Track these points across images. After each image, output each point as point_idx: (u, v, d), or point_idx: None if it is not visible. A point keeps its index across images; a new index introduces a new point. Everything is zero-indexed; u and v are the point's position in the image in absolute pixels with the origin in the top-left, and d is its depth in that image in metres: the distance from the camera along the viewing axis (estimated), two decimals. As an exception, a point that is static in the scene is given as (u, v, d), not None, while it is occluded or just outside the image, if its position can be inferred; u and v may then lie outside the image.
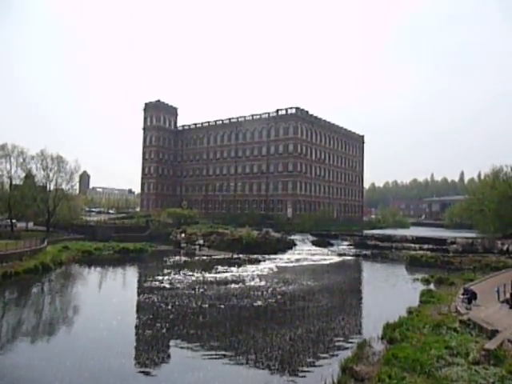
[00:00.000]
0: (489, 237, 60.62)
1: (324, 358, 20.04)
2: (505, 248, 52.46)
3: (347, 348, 20.77)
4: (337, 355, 19.64)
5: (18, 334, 24.14)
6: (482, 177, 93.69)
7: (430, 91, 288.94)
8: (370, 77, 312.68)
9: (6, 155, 64.02)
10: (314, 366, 18.98)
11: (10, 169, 65.10)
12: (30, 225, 75.13)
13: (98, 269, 49.93)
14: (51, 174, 69.45)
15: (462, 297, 26.42)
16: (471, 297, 25.06)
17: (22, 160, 66.05)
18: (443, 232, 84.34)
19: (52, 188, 70.39)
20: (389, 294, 37.58)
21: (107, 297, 34.85)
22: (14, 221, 67.82)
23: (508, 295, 24.90)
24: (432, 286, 37.55)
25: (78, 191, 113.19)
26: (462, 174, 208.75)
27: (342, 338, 23.42)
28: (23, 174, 68.33)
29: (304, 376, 17.81)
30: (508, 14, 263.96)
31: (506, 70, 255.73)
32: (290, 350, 20.89)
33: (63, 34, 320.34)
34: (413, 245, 62.55)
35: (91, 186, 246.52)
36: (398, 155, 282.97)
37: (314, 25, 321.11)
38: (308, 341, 22.78)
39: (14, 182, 66.58)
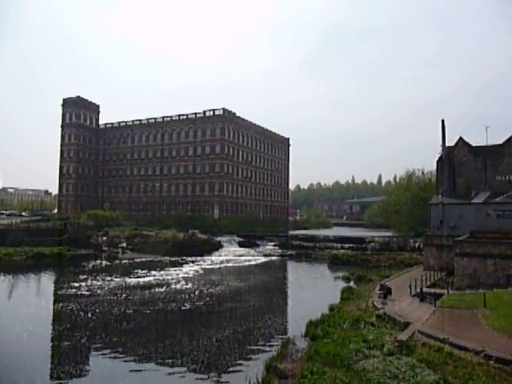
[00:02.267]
0: (403, 235, 64.99)
1: (250, 358, 20.12)
2: (416, 246, 56.45)
3: (272, 347, 21.02)
4: (262, 354, 19.78)
5: None
6: (398, 180, 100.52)
7: (355, 97, 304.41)
8: (294, 81, 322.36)
9: None
10: (240, 366, 18.96)
11: None
12: None
13: (8, 276, 45.93)
14: (-47, 173, 62.93)
15: (378, 292, 27.98)
16: (387, 292, 26.62)
17: None
18: (363, 232, 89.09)
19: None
20: (312, 292, 38.77)
21: (17, 307, 31.95)
22: None
23: (418, 289, 26.79)
24: (352, 283, 39.38)
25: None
26: (380, 176, 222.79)
27: (267, 338, 23.69)
28: None
29: (230, 377, 17.73)
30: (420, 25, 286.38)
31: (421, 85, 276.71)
32: (217, 352, 20.70)
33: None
34: (335, 244, 65.22)
35: (1, 186, 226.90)
36: (321, 159, 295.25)
37: (241, 27, 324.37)
38: (234, 342, 22.75)
39: None
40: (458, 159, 47.87)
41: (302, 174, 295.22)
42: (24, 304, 32.24)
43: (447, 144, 48.96)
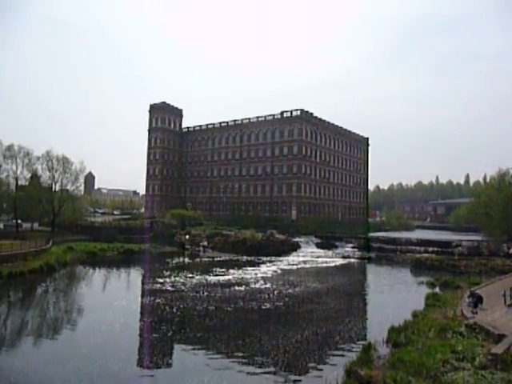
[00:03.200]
0: (495, 240, 60.19)
1: (329, 360, 19.91)
2: (511, 251, 51.99)
3: (352, 351, 20.62)
4: (342, 358, 19.49)
5: (21, 335, 24.14)
6: (488, 179, 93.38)
7: (434, 93, 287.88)
8: (373, 80, 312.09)
9: (12, 156, 64.51)
10: (319, 368, 18.84)
11: (16, 169, 65.64)
12: (36, 225, 75.49)
13: (102, 270, 50.03)
14: (56, 175, 69.92)
15: (467, 300, 26.18)
16: (477, 300, 24.82)
17: (27, 161, 66.56)
18: (449, 235, 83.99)
19: (57, 189, 70.80)
20: (394, 296, 37.32)
21: (110, 299, 34.74)
22: (19, 221, 68.19)
23: (515, 299, 24.67)
24: (437, 290, 37.30)
25: (82, 192, 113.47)
26: (468, 176, 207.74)
27: (347, 341, 23.28)
28: (29, 175, 68.84)
29: (309, 379, 17.70)
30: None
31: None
32: (296, 353, 20.76)
33: (70, 34, 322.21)
34: (418, 248, 62.13)
35: (96, 187, 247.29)
36: (402, 158, 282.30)
37: (319, 27, 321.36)
38: (314, 343, 22.65)
39: (19, 183, 67.06)
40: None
41: (381, 174, 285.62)
42: (116, 296, 34.83)
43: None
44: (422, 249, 61.14)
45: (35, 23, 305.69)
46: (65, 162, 70.44)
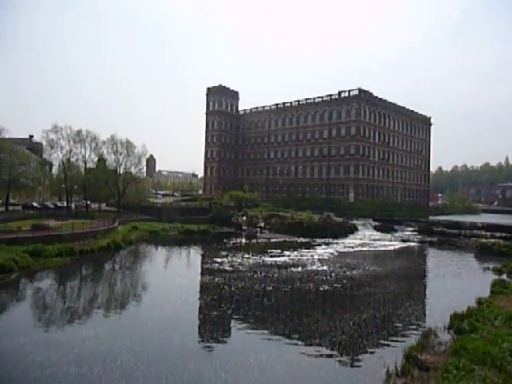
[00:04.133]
0: None
1: (387, 344, 19.70)
2: None
3: (412, 336, 20.27)
4: (401, 343, 19.24)
5: (91, 307, 25.97)
6: None
7: (499, 68, 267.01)
8: (434, 57, 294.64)
9: (81, 140, 68.46)
10: (378, 352, 18.72)
11: (85, 153, 69.62)
12: (102, 206, 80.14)
13: (164, 249, 52.34)
14: (121, 158, 73.33)
15: (539, 289, 24.71)
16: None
17: (95, 145, 70.33)
18: (519, 219, 78.73)
19: (122, 171, 74.37)
20: (456, 282, 35.90)
21: (172, 276, 36.46)
22: (88, 202, 72.68)
23: None
24: (505, 277, 35.40)
25: (145, 174, 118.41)
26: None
27: (406, 326, 22.87)
28: (96, 158, 72.76)
29: (367, 362, 17.67)
30: None
31: None
32: (354, 336, 20.74)
33: (137, 24, 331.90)
34: (484, 232, 58.98)
35: (157, 170, 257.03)
36: (467, 138, 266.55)
37: (376, 4, 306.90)
38: (372, 327, 22.48)
39: (88, 166, 71.19)
40: None
41: (444, 155, 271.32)
42: (177, 274, 36.50)
43: None
44: (489, 234, 57.98)
45: (115, 15, 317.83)
46: (128, 145, 73.68)
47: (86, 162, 70.44)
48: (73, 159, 69.38)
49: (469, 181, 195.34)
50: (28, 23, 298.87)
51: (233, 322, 23.17)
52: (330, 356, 18.20)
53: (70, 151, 68.14)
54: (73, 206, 75.12)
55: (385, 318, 24.11)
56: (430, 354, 17.19)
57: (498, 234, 57.03)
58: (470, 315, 21.65)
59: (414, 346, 17.68)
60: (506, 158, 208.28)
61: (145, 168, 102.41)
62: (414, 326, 22.60)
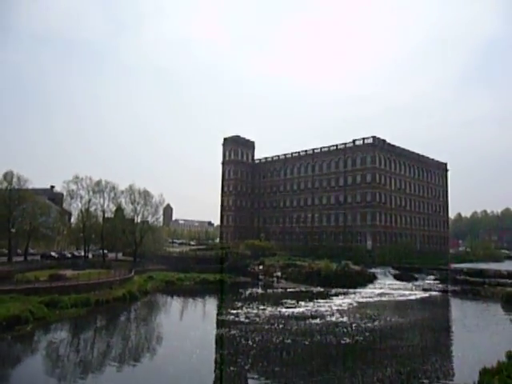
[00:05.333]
0: None
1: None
2: None
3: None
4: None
5: (105, 359, 25.45)
6: None
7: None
8: (446, 102, 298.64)
9: (100, 190, 69.98)
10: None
11: (103, 203, 70.89)
12: (119, 255, 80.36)
13: (179, 299, 51.71)
14: (138, 208, 74.32)
15: None
16: None
17: (113, 195, 71.71)
18: (545, 267, 75.86)
19: (139, 220, 75.08)
20: (484, 335, 34.21)
21: (187, 328, 35.66)
22: (105, 251, 73.10)
23: None
24: (535, 329, 33.68)
25: (161, 223, 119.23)
26: None
27: (433, 382, 21.65)
28: (114, 208, 73.90)
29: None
30: None
31: None
32: (377, 393, 19.73)
33: (141, 76, 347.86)
34: (509, 281, 56.80)
35: (174, 218, 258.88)
36: (486, 183, 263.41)
37: (387, 52, 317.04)
38: (397, 383, 21.33)
39: (106, 215, 72.24)
40: None
41: (463, 201, 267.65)
42: (192, 326, 35.77)
43: None
44: (515, 282, 55.76)
45: (108, 66, 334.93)
46: (146, 195, 74.91)
47: (104, 212, 71.63)
48: (91, 209, 70.72)
49: (490, 226, 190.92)
50: (36, 69, 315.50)
51: (250, 379, 22.29)
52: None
53: (89, 201, 69.61)
54: (90, 255, 75.57)
55: (410, 374, 22.93)
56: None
57: (524, 283, 54.82)
58: (500, 371, 20.41)
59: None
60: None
61: (162, 217, 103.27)
62: (442, 382, 21.38)
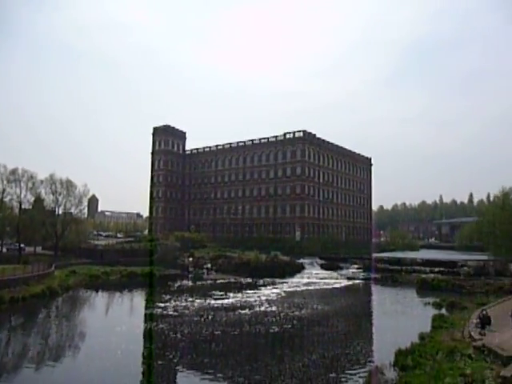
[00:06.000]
0: (501, 259, 59.58)
1: (335, 386, 19.50)
2: (518, 271, 51.43)
3: (359, 375, 20.22)
4: (349, 382, 19.09)
5: (22, 361, 23.82)
6: (492, 198, 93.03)
7: (437, 116, 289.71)
8: (373, 101, 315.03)
9: (17, 180, 64.83)
10: (326, 394, 18.46)
11: (20, 193, 65.75)
12: (39, 249, 75.19)
13: (105, 294, 49.65)
14: (60, 198, 70.01)
15: (475, 322, 25.79)
16: (485, 322, 24.42)
17: (31, 184, 66.76)
18: (454, 255, 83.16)
19: (61, 212, 70.86)
20: (400, 318, 36.80)
21: (112, 323, 34.20)
22: (22, 245, 68.08)
23: (523, 320, 24.25)
24: (444, 311, 36.75)
25: (86, 215, 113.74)
26: (471, 195, 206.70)
27: (355, 365, 22.85)
28: (32, 199, 68.96)
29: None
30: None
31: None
32: (303, 378, 20.37)
33: (73, 55, 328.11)
34: (423, 268, 61.52)
35: (100, 210, 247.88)
36: (406, 178, 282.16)
37: (320, 51, 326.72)
38: (321, 367, 22.25)
39: (23, 207, 67.19)
40: None
41: (385, 194, 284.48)
42: (119, 321, 34.48)
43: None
44: (428, 269, 60.50)
45: (40, 47, 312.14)
46: (68, 185, 70.75)
47: (20, 203, 66.46)
48: (6, 199, 65.34)
49: (408, 218, 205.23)
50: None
51: (179, 372, 22.01)
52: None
53: (4, 191, 64.20)
54: (4, 249, 70.06)
55: (334, 358, 24.00)
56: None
57: (436, 269, 59.64)
58: (413, 351, 22.07)
59: (361, 386, 17.62)
60: (441, 197, 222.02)
61: (86, 208, 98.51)
62: (362, 365, 22.64)
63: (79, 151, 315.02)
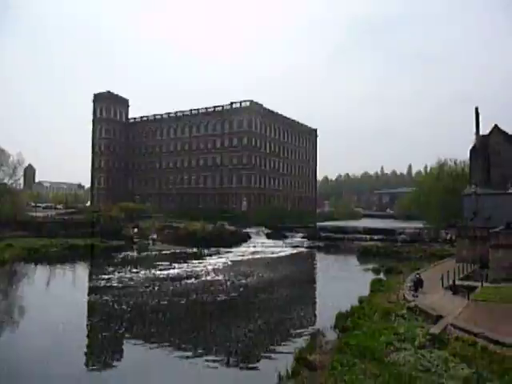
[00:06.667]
0: (434, 227, 63.64)
1: (280, 349, 20.26)
2: (448, 237, 55.24)
3: (302, 338, 21.09)
4: (292, 346, 19.88)
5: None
6: (429, 169, 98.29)
7: (376, 92, 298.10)
8: (321, 76, 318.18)
9: None
10: (271, 357, 19.15)
11: None
12: (-32, 222, 70.39)
13: (46, 267, 47.71)
14: (-8, 168, 65.52)
15: (409, 285, 27.59)
16: (418, 284, 26.20)
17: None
18: (393, 223, 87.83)
19: (-7, 183, 66.44)
20: (342, 284, 38.48)
21: (54, 297, 32.97)
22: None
23: (451, 282, 26.25)
24: (382, 276, 38.94)
25: (22, 186, 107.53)
26: (410, 167, 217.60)
27: (298, 329, 23.81)
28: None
29: (260, 367, 17.96)
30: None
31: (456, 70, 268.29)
32: (249, 343, 20.99)
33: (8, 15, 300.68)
34: (364, 236, 64.60)
35: (37, 180, 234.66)
36: (349, 150, 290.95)
37: (267, 17, 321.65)
38: (266, 332, 22.98)
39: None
40: (492, 148, 46.21)
41: (329, 165, 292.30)
42: (60, 295, 33.35)
43: (482, 133, 47.37)
44: (368, 237, 63.63)
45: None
46: (0, 154, 66.22)
47: None
48: None
49: (351, 188, 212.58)
50: None
51: (125, 343, 21.83)
52: (226, 366, 18.15)
53: None
54: None
55: (278, 323, 24.83)
56: (318, 353, 18.03)
57: (375, 237, 62.89)
58: (352, 314, 23.32)
59: (303, 348, 18.42)
60: (382, 168, 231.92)
61: (22, 179, 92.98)
62: (305, 328, 23.60)
63: (12, 116, 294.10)
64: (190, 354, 19.54)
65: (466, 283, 26.82)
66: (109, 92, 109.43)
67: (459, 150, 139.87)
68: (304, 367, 16.49)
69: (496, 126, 46.92)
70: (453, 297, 24.37)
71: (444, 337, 17.50)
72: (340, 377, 14.84)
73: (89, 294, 33.17)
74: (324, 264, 52.90)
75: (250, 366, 18.27)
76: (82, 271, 47.30)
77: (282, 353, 19.42)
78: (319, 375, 15.63)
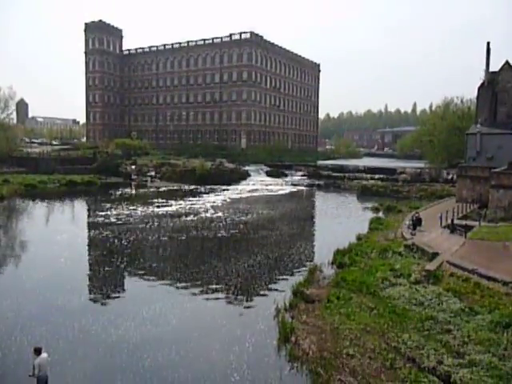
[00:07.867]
0: (436, 167, 63.18)
1: (279, 283, 20.60)
2: (449, 177, 55.01)
3: (300, 273, 21.40)
4: (291, 280, 20.19)
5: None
6: (434, 108, 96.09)
7: (383, 26, 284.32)
8: (323, 7, 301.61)
9: None
10: (269, 290, 19.51)
11: None
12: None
13: (44, 203, 47.73)
14: (-18, 102, 63.68)
15: (407, 223, 27.68)
16: (416, 223, 26.24)
17: None
18: (394, 162, 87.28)
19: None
20: (341, 221, 38.82)
21: (54, 233, 32.99)
22: None
23: (449, 221, 26.29)
24: (381, 214, 39.14)
25: (15, 121, 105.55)
26: (415, 105, 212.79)
27: (296, 264, 24.14)
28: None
29: (259, 300, 18.28)
30: None
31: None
32: (248, 277, 21.27)
33: None
34: (365, 175, 64.45)
35: (30, 116, 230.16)
36: (353, 87, 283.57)
37: None
38: (265, 267, 23.26)
39: None
40: (501, 85, 44.39)
41: (332, 102, 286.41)
42: (60, 230, 33.37)
43: (492, 69, 45.36)
44: (369, 176, 63.48)
45: None
46: (-10, 87, 64.12)
47: None
48: None
49: (353, 127, 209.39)
50: None
51: (126, 276, 22.11)
52: (225, 299, 18.49)
53: None
54: None
55: (277, 259, 25.12)
56: (315, 287, 18.38)
57: (376, 176, 62.72)
58: (350, 250, 23.57)
59: (301, 282, 18.70)
60: (386, 106, 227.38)
61: (14, 113, 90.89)
62: (303, 264, 23.93)
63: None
64: (190, 287, 19.86)
65: (464, 222, 26.86)
66: (101, 21, 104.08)
67: (468, 90, 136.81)
68: (301, 300, 16.83)
69: (507, 62, 44.75)
70: (450, 235, 24.50)
71: (439, 273, 17.72)
72: (336, 309, 15.16)
73: (88, 230, 33.44)
74: (324, 202, 53.10)
75: (249, 299, 18.60)
76: (80, 207, 47.45)
77: (280, 286, 19.76)
78: (316, 307, 15.97)
